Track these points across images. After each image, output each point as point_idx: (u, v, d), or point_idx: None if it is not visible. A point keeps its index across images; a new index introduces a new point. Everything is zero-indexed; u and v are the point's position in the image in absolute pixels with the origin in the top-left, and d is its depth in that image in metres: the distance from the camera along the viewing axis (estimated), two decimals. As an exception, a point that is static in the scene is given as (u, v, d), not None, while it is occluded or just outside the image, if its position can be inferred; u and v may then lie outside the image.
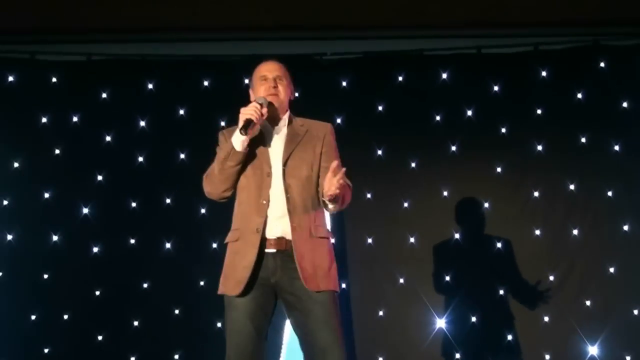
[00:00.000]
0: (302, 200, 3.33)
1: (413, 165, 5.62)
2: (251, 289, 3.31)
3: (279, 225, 3.37)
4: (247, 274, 3.28)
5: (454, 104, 5.61)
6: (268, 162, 3.39)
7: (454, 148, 5.62)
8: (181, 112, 5.65)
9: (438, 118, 5.65)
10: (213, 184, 3.36)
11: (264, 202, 3.34)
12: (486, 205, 5.58)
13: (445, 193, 5.60)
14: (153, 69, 5.62)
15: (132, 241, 5.51)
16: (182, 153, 5.58)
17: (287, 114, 3.51)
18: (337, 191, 3.20)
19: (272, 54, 5.08)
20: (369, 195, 5.59)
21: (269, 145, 3.44)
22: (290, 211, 3.32)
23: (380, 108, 5.65)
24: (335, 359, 3.20)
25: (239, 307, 3.29)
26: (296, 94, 3.67)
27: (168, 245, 5.49)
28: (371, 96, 5.64)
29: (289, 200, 3.34)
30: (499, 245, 5.50)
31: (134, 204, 5.57)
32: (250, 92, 3.56)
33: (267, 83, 3.46)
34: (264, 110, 3.30)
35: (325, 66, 5.65)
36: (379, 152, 5.60)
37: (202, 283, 5.41)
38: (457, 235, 5.55)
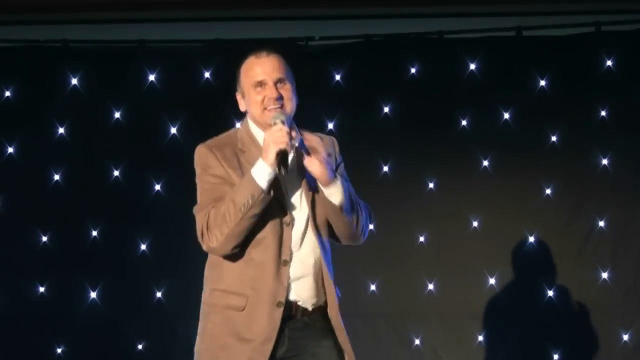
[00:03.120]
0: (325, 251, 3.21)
1: (431, 185, 5.27)
2: None
3: (305, 287, 3.15)
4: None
5: (485, 103, 5.29)
6: (283, 205, 3.13)
7: (485, 163, 5.27)
8: (117, 115, 5.28)
9: (464, 122, 5.29)
10: (226, 237, 3.06)
11: (285, 259, 3.13)
12: (531, 239, 5.24)
13: (474, 223, 5.25)
14: (78, 59, 5.29)
15: (42, 289, 5.18)
16: (116, 169, 5.22)
17: (295, 130, 3.21)
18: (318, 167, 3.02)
19: (240, 38, 5.27)
20: (371, 227, 4.89)
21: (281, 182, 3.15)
22: (324, 268, 3.16)
23: (386, 110, 5.29)
24: None
25: None
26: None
27: (93, 295, 5.15)
28: (374, 93, 5.29)
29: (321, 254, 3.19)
30: (550, 293, 5.18)
31: (44, 238, 5.18)
32: (239, 98, 3.23)
33: (266, 92, 3.11)
34: (294, 133, 3.07)
35: (313, 54, 5.33)
36: (385, 169, 5.25)
37: (139, 347, 5.13)
38: (492, 281, 5.17)
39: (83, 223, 5.11)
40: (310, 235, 3.12)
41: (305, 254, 3.12)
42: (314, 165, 3.02)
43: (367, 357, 4.70)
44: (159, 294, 5.08)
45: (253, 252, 3.12)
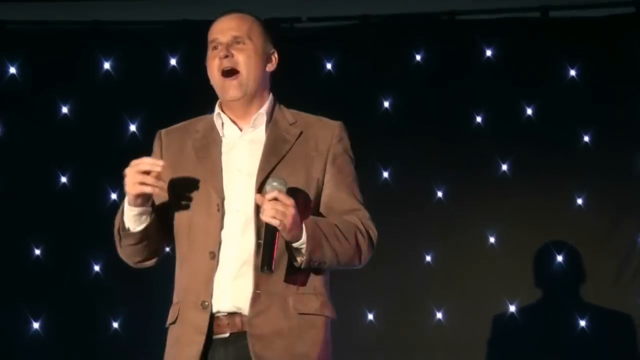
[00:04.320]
0: (281, 251, 2.79)
1: (439, 194, 5.00)
2: None
3: (234, 291, 2.75)
4: None
5: (504, 96, 4.99)
6: (220, 189, 2.76)
7: (504, 167, 4.98)
8: (64, 109, 5.00)
9: (479, 119, 5.01)
10: (122, 253, 2.87)
11: (212, 253, 2.77)
12: (559, 258, 4.91)
13: (491, 239, 4.94)
14: (19, 44, 5.03)
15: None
16: (64, 175, 4.93)
17: (267, 103, 2.86)
18: (274, 218, 2.59)
19: (209, 20, 4.84)
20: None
21: (228, 160, 2.83)
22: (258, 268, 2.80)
23: (386, 104, 5.03)
24: None
25: None
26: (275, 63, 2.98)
27: (35, 326, 4.92)
28: (372, 85, 5.04)
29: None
30: (582, 324, 4.83)
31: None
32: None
33: (218, 55, 2.81)
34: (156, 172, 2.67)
35: (300, 38, 5.07)
36: (385, 175, 5.00)
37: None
38: (512, 308, 4.85)
39: (23, 240, 4.83)
40: (251, 226, 2.79)
41: (239, 247, 2.80)
42: (265, 209, 2.62)
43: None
44: (115, 324, 4.82)
45: (183, 245, 2.90)
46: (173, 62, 4.90)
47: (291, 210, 2.63)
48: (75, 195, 4.94)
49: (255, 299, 2.73)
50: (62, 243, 4.93)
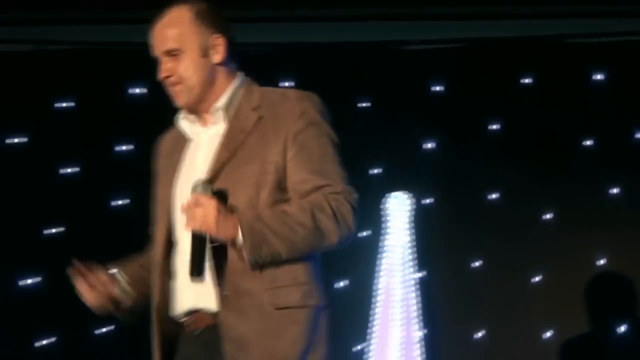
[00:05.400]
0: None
1: (548, 216, 4.92)
2: None
3: (197, 290, 2.58)
4: None
5: (614, 119, 4.88)
6: (167, 198, 2.68)
7: (615, 190, 4.89)
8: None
9: (589, 142, 4.92)
10: None
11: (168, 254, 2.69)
12: None
13: (601, 261, 4.87)
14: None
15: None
16: None
17: (225, 94, 2.67)
18: (195, 224, 2.47)
19: (318, 42, 5.06)
20: (474, 265, 4.98)
21: (191, 161, 2.70)
22: (219, 266, 2.56)
23: (494, 127, 4.97)
24: None
25: None
26: (226, 41, 2.72)
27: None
28: (479, 107, 4.97)
29: (215, 247, 2.59)
30: None
31: None
32: None
33: (160, 70, 2.68)
34: (115, 288, 2.68)
35: (409, 60, 5.02)
36: (493, 196, 4.93)
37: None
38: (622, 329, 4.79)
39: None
40: None
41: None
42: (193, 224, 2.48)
43: None
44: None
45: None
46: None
47: (212, 212, 2.49)
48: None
49: (224, 299, 2.60)
50: None
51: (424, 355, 4.65)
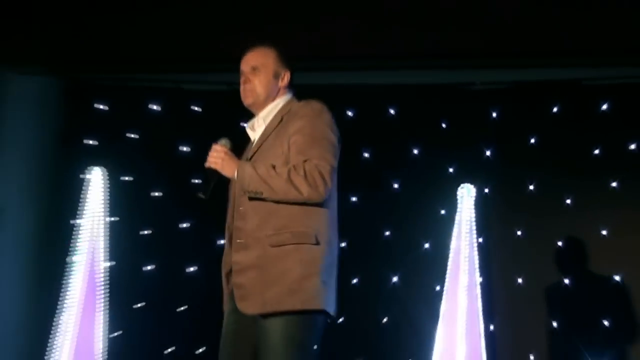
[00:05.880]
0: (252, 207, 2.89)
1: (568, 202, 5.39)
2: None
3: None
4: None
5: (619, 141, 5.37)
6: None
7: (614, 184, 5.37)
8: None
9: (597, 151, 5.42)
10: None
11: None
12: None
13: (604, 232, 5.31)
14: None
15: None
16: None
17: (270, 105, 3.04)
18: (211, 162, 2.84)
19: (415, 84, 5.53)
20: (519, 233, 5.42)
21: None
22: (239, 228, 2.90)
23: (532, 140, 5.47)
24: None
25: None
26: (288, 75, 3.13)
27: None
28: (522, 128, 5.47)
29: (240, 212, 2.93)
30: None
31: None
32: None
33: (242, 80, 3.09)
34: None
35: (474, 96, 5.50)
36: (531, 187, 5.40)
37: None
38: (617, 278, 5.26)
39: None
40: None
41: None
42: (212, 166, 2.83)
43: (515, 334, 5.20)
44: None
45: None
46: (391, 111, 5.43)
47: (221, 156, 2.80)
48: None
49: (239, 245, 2.90)
50: None
51: (482, 295, 4.97)
